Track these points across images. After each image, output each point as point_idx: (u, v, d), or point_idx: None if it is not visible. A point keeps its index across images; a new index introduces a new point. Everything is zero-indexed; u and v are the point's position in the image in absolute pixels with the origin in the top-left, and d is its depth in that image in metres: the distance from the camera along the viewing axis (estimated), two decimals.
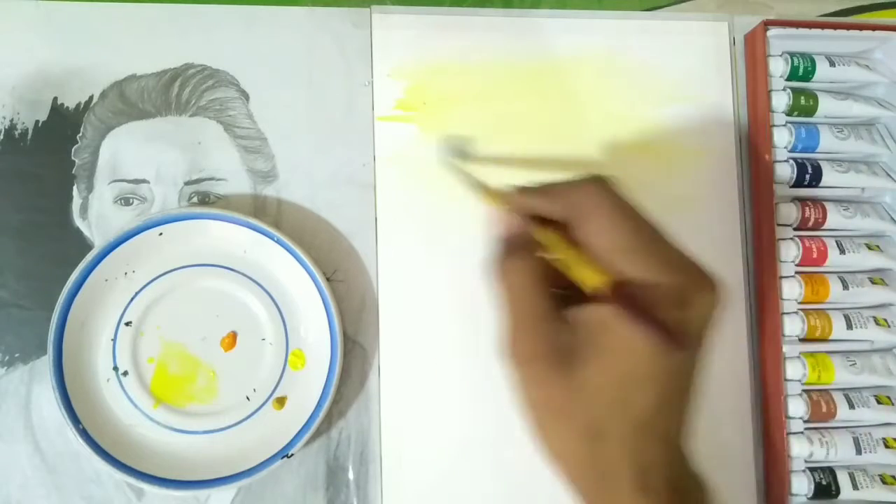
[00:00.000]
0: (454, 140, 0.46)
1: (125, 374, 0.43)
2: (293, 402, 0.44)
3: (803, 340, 0.47)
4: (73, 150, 0.46)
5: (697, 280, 0.30)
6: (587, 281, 0.29)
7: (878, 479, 0.46)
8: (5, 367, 0.44)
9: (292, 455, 0.42)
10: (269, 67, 0.47)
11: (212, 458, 0.43)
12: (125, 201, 0.46)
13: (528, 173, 0.44)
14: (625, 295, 0.28)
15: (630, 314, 0.27)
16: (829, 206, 0.48)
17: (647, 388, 0.28)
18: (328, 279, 0.45)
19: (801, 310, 0.47)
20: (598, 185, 0.31)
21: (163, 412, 0.43)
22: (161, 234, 0.43)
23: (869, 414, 0.46)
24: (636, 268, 0.29)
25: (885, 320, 0.47)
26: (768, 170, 0.48)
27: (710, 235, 0.48)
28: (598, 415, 0.29)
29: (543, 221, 0.32)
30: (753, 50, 0.49)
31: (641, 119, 0.49)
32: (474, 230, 0.47)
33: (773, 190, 0.48)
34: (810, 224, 0.48)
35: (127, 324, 0.44)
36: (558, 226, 0.31)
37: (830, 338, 0.47)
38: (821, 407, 0.46)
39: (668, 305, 0.28)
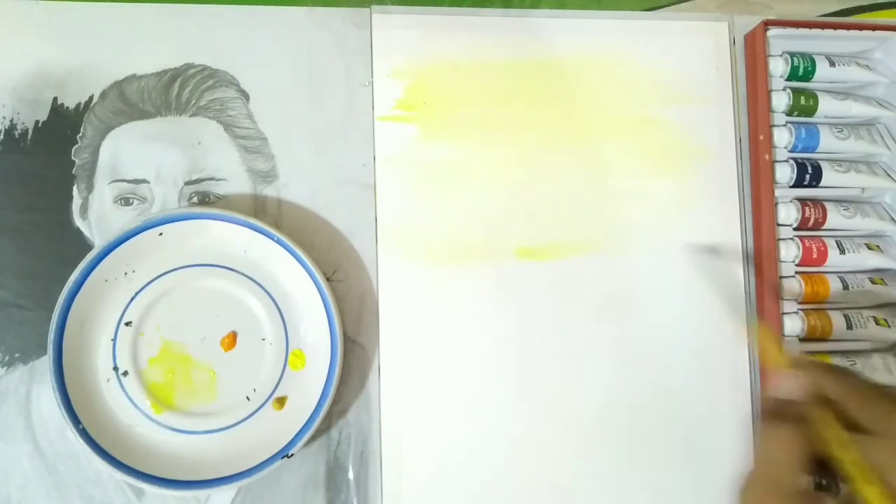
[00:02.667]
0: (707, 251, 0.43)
1: (125, 374, 0.43)
2: (293, 402, 0.44)
3: (803, 340, 0.47)
4: (73, 150, 0.46)
5: None
6: (866, 496, 0.28)
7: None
8: (5, 367, 0.44)
9: (292, 455, 0.42)
10: (269, 67, 0.47)
11: (212, 458, 0.43)
12: (125, 201, 0.46)
13: None
14: None
15: None
16: (829, 206, 0.48)
17: None
18: (328, 279, 0.45)
19: (801, 310, 0.47)
20: None
21: (163, 412, 0.43)
22: (161, 234, 0.43)
23: None
24: None
25: (885, 320, 0.47)
26: (768, 170, 0.48)
27: (711, 235, 0.48)
28: None
29: (827, 402, 0.30)
30: (753, 50, 0.49)
31: (641, 119, 0.49)
32: (474, 230, 0.47)
33: (773, 190, 0.48)
34: (810, 224, 0.48)
35: (127, 324, 0.44)
36: (844, 419, 0.30)
37: (830, 338, 0.47)
38: None
39: None
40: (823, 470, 0.30)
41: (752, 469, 0.30)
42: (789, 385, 0.32)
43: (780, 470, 0.30)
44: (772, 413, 0.31)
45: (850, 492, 0.29)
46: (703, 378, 0.47)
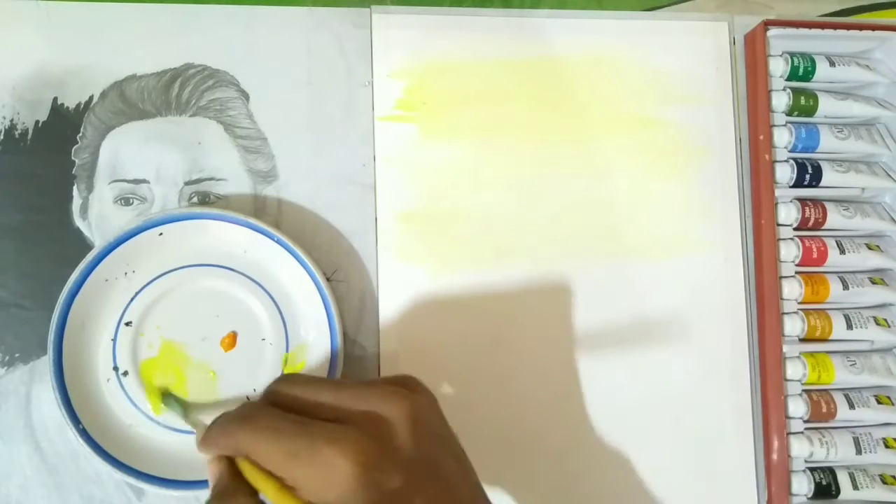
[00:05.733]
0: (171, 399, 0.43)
1: (125, 374, 0.43)
2: None
3: (803, 340, 0.47)
4: (73, 150, 0.46)
5: None
6: None
7: (878, 479, 0.46)
8: (5, 367, 0.44)
9: None
10: (269, 67, 0.47)
11: None
12: (125, 201, 0.46)
13: None
14: None
15: None
16: (829, 206, 0.48)
17: None
18: (328, 279, 0.45)
19: (801, 310, 0.47)
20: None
21: (163, 412, 0.43)
22: (161, 234, 0.43)
23: (869, 414, 0.46)
24: None
25: (885, 320, 0.47)
26: (768, 170, 0.48)
27: (711, 235, 0.48)
28: None
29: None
30: (753, 50, 0.49)
31: (641, 119, 0.49)
32: (474, 229, 0.47)
33: (773, 190, 0.48)
34: (810, 224, 0.48)
35: (127, 324, 0.44)
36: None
37: (830, 338, 0.47)
38: (821, 407, 0.46)
39: None
40: None
41: None
42: (212, 469, 0.32)
43: None
44: None
45: None
46: (702, 378, 0.47)
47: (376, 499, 0.28)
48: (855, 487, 0.45)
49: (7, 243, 0.45)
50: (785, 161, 0.48)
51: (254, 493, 0.30)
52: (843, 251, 0.47)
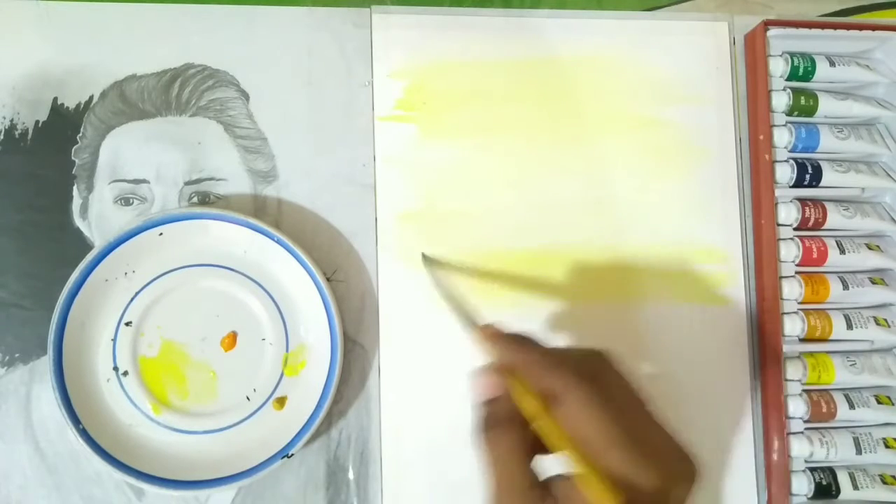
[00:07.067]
0: (430, 259, 0.45)
1: (125, 374, 0.43)
2: (293, 402, 0.44)
3: (803, 340, 0.47)
4: (73, 150, 0.46)
5: (678, 472, 0.30)
6: (583, 477, 0.29)
7: (878, 479, 0.46)
8: (5, 367, 0.44)
9: (292, 455, 0.42)
10: (269, 67, 0.47)
11: (212, 458, 0.43)
12: (125, 201, 0.46)
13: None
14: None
15: None
16: (829, 206, 0.48)
17: None
18: (328, 279, 0.45)
19: (801, 310, 0.47)
20: (576, 366, 0.31)
21: (163, 412, 0.43)
22: (161, 234, 0.43)
23: (869, 414, 0.46)
24: (612, 462, 0.28)
25: (885, 320, 0.47)
26: (768, 170, 0.48)
27: (711, 235, 0.48)
28: None
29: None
30: (753, 50, 0.49)
31: (641, 119, 0.49)
32: (474, 229, 0.47)
33: (773, 190, 0.48)
34: (810, 224, 0.48)
35: (127, 324, 0.44)
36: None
37: (830, 338, 0.47)
38: (821, 407, 0.46)
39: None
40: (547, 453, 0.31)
41: (488, 486, 0.31)
42: (486, 382, 0.33)
43: (512, 472, 0.30)
44: (485, 421, 0.32)
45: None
46: (702, 378, 0.47)
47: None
48: (855, 487, 0.45)
49: (7, 243, 0.45)
50: (785, 161, 0.48)
51: (527, 424, 0.31)
52: (843, 251, 0.47)
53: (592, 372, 0.31)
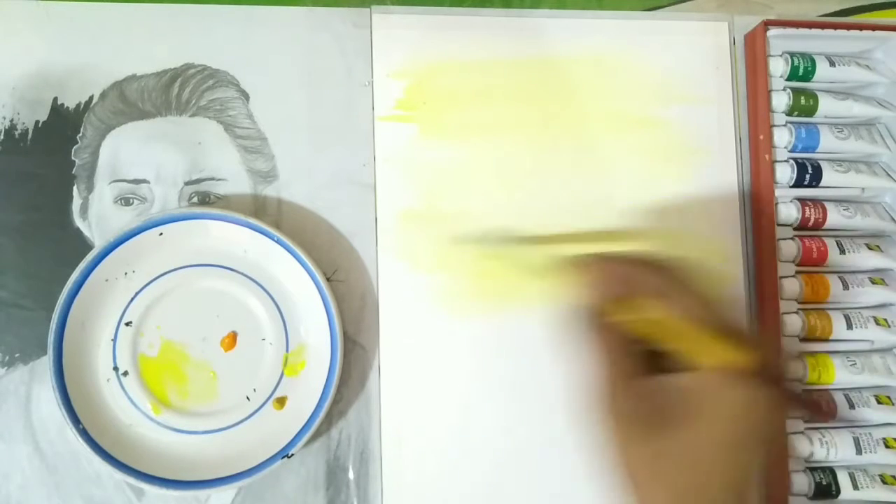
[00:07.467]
0: (492, 234, 0.46)
1: (125, 374, 0.43)
2: (293, 402, 0.44)
3: (803, 340, 0.47)
4: (73, 150, 0.46)
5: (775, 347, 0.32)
6: (708, 357, 0.30)
7: (878, 479, 0.46)
8: (5, 367, 0.44)
9: (292, 455, 0.42)
10: (269, 67, 0.47)
11: (212, 458, 0.43)
12: (125, 201, 0.46)
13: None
14: (772, 376, 0.29)
15: (783, 393, 0.29)
16: (829, 206, 0.48)
17: (758, 449, 0.29)
18: (328, 279, 0.45)
19: (801, 309, 0.47)
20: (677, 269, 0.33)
21: (163, 412, 0.43)
22: (161, 234, 0.43)
23: (869, 414, 0.46)
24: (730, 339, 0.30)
25: (885, 320, 0.47)
26: (768, 170, 0.48)
27: (711, 235, 0.48)
28: (698, 477, 0.29)
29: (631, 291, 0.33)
30: (753, 50, 0.49)
31: (641, 119, 0.49)
32: (474, 229, 0.47)
33: (773, 190, 0.48)
34: (810, 224, 0.48)
35: (127, 324, 0.44)
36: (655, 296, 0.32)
37: (830, 338, 0.47)
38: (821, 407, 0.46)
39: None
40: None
41: (597, 377, 0.32)
42: (606, 271, 0.34)
43: (625, 361, 0.31)
44: (597, 312, 0.33)
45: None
46: None
47: None
48: (855, 487, 0.45)
49: (7, 243, 0.45)
50: (785, 161, 0.48)
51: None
52: (843, 251, 0.47)
53: (686, 273, 0.33)
